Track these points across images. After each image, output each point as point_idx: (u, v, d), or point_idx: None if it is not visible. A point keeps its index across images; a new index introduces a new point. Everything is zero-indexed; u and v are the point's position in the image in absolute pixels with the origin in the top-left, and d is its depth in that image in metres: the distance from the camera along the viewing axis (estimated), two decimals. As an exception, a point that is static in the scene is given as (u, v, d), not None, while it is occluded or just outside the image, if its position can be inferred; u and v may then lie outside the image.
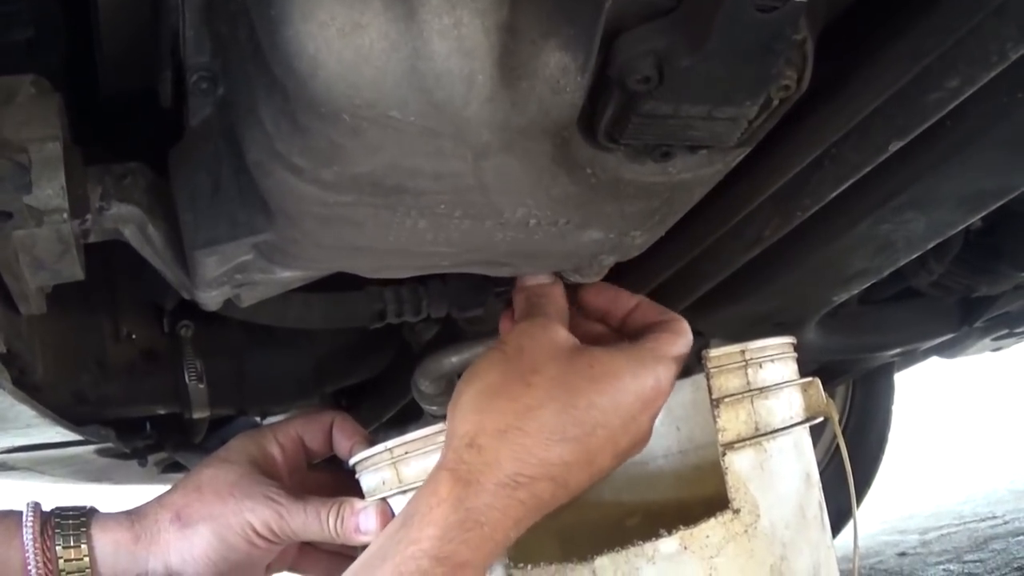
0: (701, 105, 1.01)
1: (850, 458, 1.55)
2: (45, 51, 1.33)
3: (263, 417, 2.35)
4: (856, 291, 1.91)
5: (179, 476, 2.71)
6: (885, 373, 3.44)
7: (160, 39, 1.20)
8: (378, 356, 2.08)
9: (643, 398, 1.29)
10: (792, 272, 1.76)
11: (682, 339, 1.36)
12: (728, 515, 1.32)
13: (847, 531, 2.55)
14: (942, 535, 4.38)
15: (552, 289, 1.39)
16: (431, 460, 1.32)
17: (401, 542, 1.21)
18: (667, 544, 1.30)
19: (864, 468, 3.55)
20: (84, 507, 1.50)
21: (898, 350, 2.47)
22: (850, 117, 1.25)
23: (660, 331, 1.35)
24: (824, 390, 1.49)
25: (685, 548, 1.30)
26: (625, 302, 1.43)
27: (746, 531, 1.33)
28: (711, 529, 1.31)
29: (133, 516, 1.49)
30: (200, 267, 1.26)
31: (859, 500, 3.48)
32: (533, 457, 1.24)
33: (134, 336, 1.93)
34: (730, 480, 1.33)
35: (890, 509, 5.03)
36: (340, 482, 1.55)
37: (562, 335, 1.33)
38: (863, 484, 3.56)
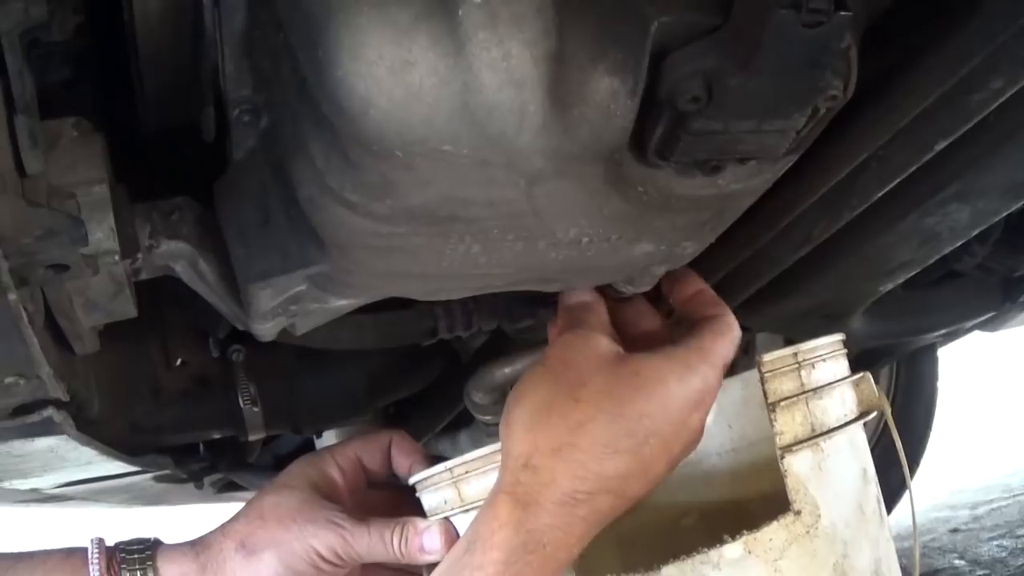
0: (750, 120, 1.01)
1: (898, 437, 1.55)
2: (82, 89, 1.33)
3: (318, 435, 2.36)
4: (901, 280, 1.91)
5: (234, 495, 2.73)
6: (928, 350, 3.43)
7: (201, 74, 1.20)
8: (428, 368, 2.08)
9: (692, 400, 1.30)
10: (839, 267, 1.76)
11: (727, 338, 1.35)
12: (790, 517, 1.33)
13: (897, 510, 2.55)
14: (993, 509, 4.36)
15: (593, 301, 1.40)
16: (491, 479, 1.33)
17: (465, 568, 1.22)
18: (731, 549, 1.31)
19: (912, 447, 3.53)
20: (148, 539, 1.50)
21: (943, 331, 2.47)
22: (896, 121, 1.24)
23: (706, 330, 1.35)
24: (872, 376, 1.50)
25: (749, 552, 1.31)
26: (687, 287, 1.43)
27: (808, 532, 1.33)
28: (774, 532, 1.32)
29: (198, 547, 1.49)
30: (254, 300, 1.27)
31: (910, 477, 3.48)
32: (589, 472, 1.24)
33: (185, 363, 1.94)
34: (790, 482, 1.34)
35: (940, 484, 5.01)
36: (400, 500, 1.55)
37: (604, 344, 1.33)
38: (912, 462, 3.53)
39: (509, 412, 1.32)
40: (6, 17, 0.99)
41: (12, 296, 0.98)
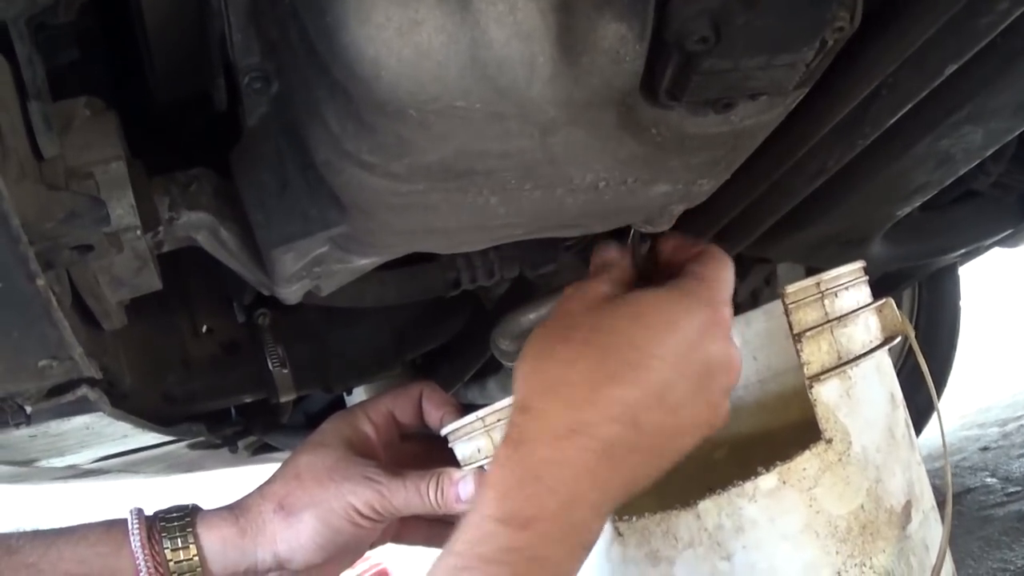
0: (759, 56, 1.01)
1: (924, 358, 1.55)
2: (91, 67, 1.33)
3: (348, 392, 2.37)
4: (918, 204, 1.91)
5: (269, 456, 2.75)
6: (950, 269, 3.42)
7: (209, 44, 1.20)
8: (454, 318, 2.08)
9: (695, 326, 1.27)
10: (855, 195, 1.76)
11: (720, 264, 1.34)
12: (821, 446, 1.34)
13: (927, 431, 2.56)
14: (1022, 425, 4.34)
15: (613, 255, 1.40)
16: None
17: (470, 512, 1.22)
18: (766, 481, 1.32)
19: (938, 367, 3.52)
20: (187, 506, 1.51)
21: (962, 251, 2.47)
22: (904, 48, 1.24)
23: (698, 262, 1.34)
24: (895, 298, 1.50)
25: (784, 483, 1.32)
26: (664, 245, 1.43)
27: (840, 459, 1.34)
28: (807, 461, 1.33)
29: (236, 510, 1.51)
30: (278, 264, 1.27)
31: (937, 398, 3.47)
32: (584, 402, 1.23)
33: (212, 330, 1.95)
34: (819, 411, 1.35)
35: (968, 403, 4.99)
36: (434, 450, 1.56)
37: (602, 289, 1.32)
38: (939, 382, 3.52)
39: (514, 370, 1.32)
40: (12, 5, 0.99)
41: (41, 282, 0.98)
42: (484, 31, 0.95)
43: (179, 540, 1.46)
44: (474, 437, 1.44)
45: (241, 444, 2.48)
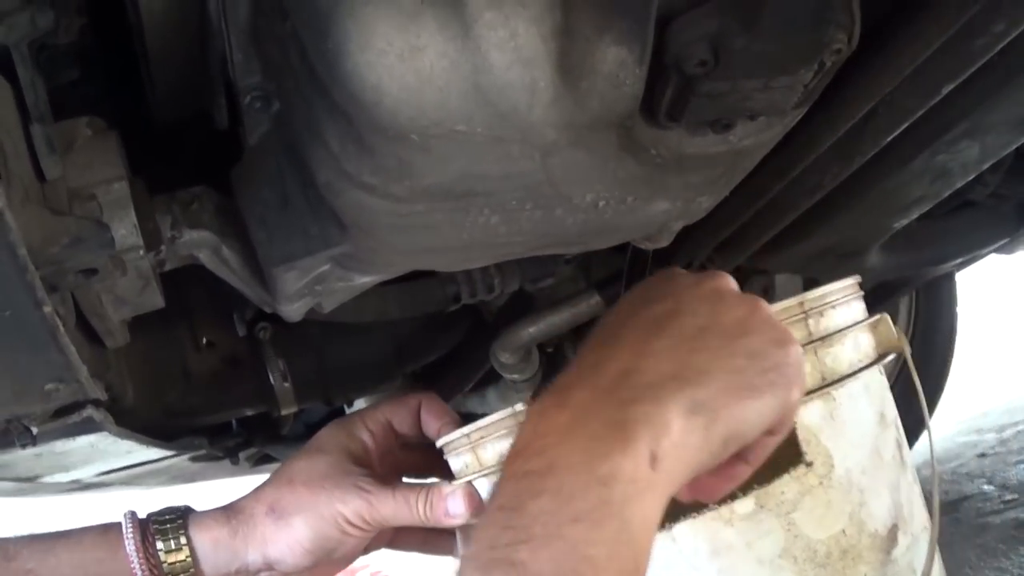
0: (757, 79, 1.02)
1: (920, 366, 1.52)
2: (91, 86, 1.33)
3: (349, 405, 2.37)
4: (915, 216, 1.91)
5: (271, 467, 2.75)
6: (947, 277, 3.42)
7: (209, 64, 1.21)
8: (454, 330, 2.09)
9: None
10: (852, 209, 1.76)
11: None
12: (801, 469, 1.30)
13: (921, 441, 2.56)
14: (1019, 431, 4.32)
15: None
16: (505, 443, 1.33)
17: None
18: (743, 505, 1.29)
19: (935, 373, 3.50)
20: (179, 508, 1.51)
21: (959, 260, 2.48)
22: (901, 69, 1.25)
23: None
24: (892, 307, 1.47)
25: (761, 507, 1.30)
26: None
27: (821, 483, 1.31)
28: (785, 485, 1.30)
29: (229, 512, 1.50)
30: (279, 283, 1.28)
31: (933, 407, 3.46)
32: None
33: (213, 344, 1.95)
34: (800, 434, 1.31)
35: (965, 409, 4.97)
36: (433, 460, 1.55)
37: None
38: (935, 390, 3.50)
39: None
40: (13, 29, 0.99)
41: (47, 309, 0.98)
42: (485, 57, 0.96)
43: (172, 542, 1.46)
44: (461, 452, 1.43)
45: (242, 456, 2.48)
